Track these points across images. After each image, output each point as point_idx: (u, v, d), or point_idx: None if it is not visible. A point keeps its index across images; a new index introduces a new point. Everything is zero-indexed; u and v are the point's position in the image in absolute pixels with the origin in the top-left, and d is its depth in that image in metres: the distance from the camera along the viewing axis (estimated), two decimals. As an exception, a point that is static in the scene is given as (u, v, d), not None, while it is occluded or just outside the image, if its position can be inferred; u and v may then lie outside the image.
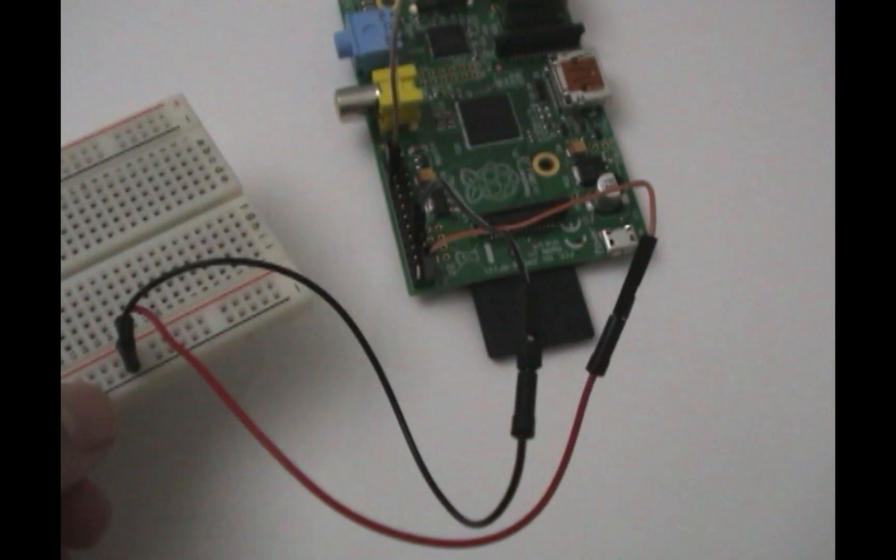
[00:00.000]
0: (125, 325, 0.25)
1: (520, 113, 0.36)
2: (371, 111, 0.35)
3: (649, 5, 0.40)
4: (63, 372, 0.27)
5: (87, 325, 0.28)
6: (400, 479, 0.28)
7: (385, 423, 0.29)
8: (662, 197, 0.35)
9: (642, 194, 0.35)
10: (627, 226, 0.34)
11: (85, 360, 0.27)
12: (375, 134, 0.36)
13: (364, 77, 0.36)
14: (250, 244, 0.29)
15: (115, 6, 0.38)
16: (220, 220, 0.30)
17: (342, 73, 0.37)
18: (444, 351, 0.33)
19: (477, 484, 0.28)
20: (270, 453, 0.20)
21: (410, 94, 0.34)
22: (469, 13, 0.38)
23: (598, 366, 0.24)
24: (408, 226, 0.33)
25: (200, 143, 0.31)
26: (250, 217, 0.30)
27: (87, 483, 0.26)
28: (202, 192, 0.30)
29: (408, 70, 0.34)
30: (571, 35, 0.38)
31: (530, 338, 0.22)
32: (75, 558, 0.26)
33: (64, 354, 0.27)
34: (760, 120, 0.38)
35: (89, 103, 0.35)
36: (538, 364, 0.22)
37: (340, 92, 0.34)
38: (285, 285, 0.29)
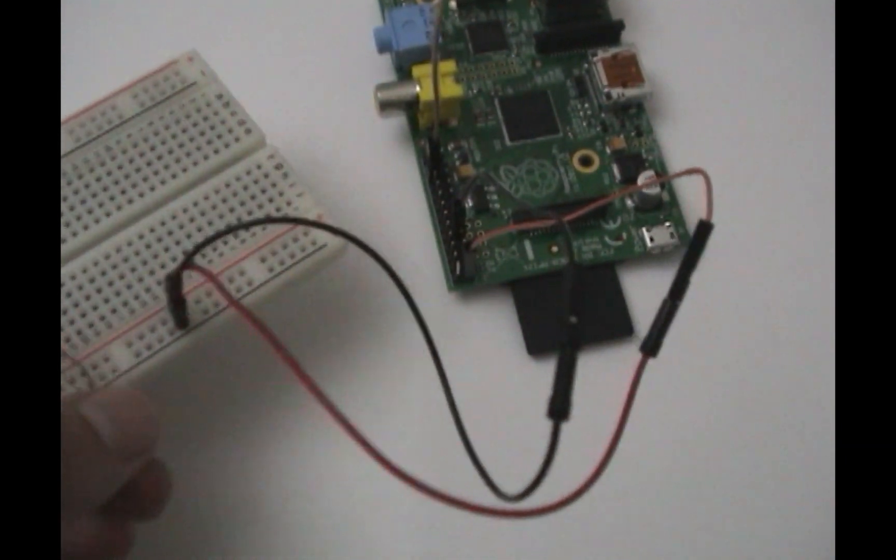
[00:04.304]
0: (176, 282, 0.26)
1: (559, 109, 0.36)
2: (410, 107, 0.35)
3: (689, 1, 0.40)
4: (110, 336, 0.27)
5: (129, 287, 0.28)
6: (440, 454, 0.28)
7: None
8: (700, 195, 0.35)
9: (683, 191, 0.35)
10: (668, 223, 0.34)
11: (132, 321, 0.27)
12: (415, 129, 0.36)
13: (403, 72, 0.36)
14: (281, 194, 0.29)
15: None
16: (248, 173, 0.30)
17: (382, 68, 0.37)
18: (482, 347, 0.32)
19: (514, 481, 0.28)
20: (324, 408, 0.21)
21: (451, 89, 0.34)
22: (508, 9, 0.38)
23: (651, 347, 0.24)
24: (448, 222, 0.33)
25: (219, 96, 0.31)
26: (279, 167, 0.30)
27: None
28: (227, 145, 0.30)
29: (448, 66, 0.34)
30: (611, 31, 0.37)
31: (573, 318, 0.22)
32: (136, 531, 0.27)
33: (111, 318, 0.27)
34: (802, 116, 0.37)
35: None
36: (579, 346, 0.22)
37: (380, 87, 0.34)
38: (321, 233, 0.29)
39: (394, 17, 0.36)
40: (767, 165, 0.36)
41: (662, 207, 0.34)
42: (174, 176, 0.29)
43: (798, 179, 0.36)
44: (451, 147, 0.35)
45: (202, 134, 0.30)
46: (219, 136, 0.30)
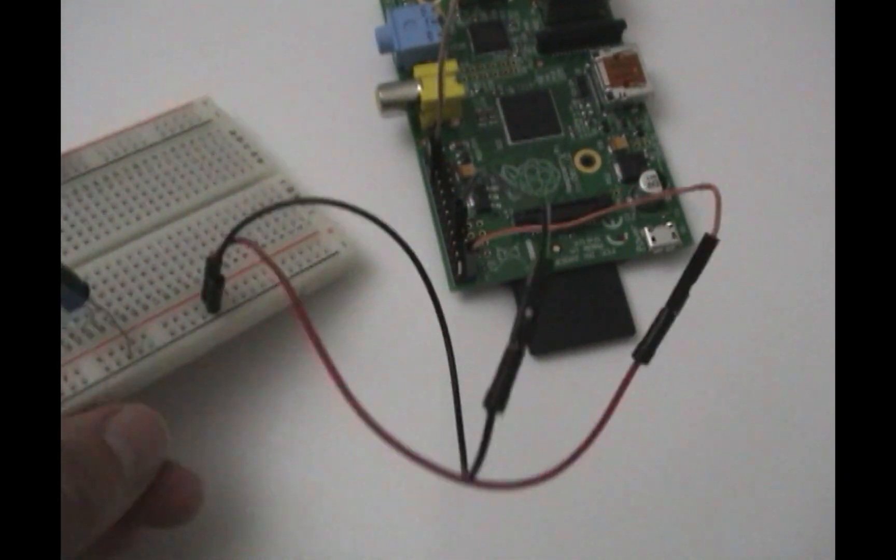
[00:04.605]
0: (216, 264, 0.28)
1: (561, 109, 0.36)
2: (412, 107, 0.35)
3: (692, 1, 0.40)
4: (148, 314, 0.29)
5: (162, 278, 0.30)
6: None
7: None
8: (702, 194, 0.35)
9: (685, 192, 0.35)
10: (669, 223, 0.34)
11: (167, 304, 0.30)
12: (416, 129, 0.36)
13: (405, 72, 0.36)
14: (295, 211, 0.32)
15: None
16: (263, 193, 0.33)
17: (383, 67, 0.37)
18: (484, 347, 0.32)
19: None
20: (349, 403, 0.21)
21: (453, 89, 0.34)
22: (510, 9, 0.38)
23: (643, 355, 0.24)
24: (449, 222, 0.33)
25: (233, 132, 0.34)
26: (290, 190, 0.33)
27: (172, 464, 0.28)
28: (242, 171, 0.33)
29: (450, 65, 0.34)
30: (613, 31, 0.37)
31: (528, 312, 0.22)
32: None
33: (148, 302, 0.29)
34: (804, 115, 0.37)
35: (129, 98, 0.35)
36: (528, 342, 0.22)
37: (382, 87, 0.34)
38: (332, 242, 0.32)
39: (395, 17, 0.36)
40: (769, 165, 0.36)
41: (664, 207, 0.34)
42: (196, 191, 0.32)
43: (800, 179, 0.36)
44: (452, 147, 0.35)
45: (219, 160, 0.33)
46: (235, 163, 0.33)
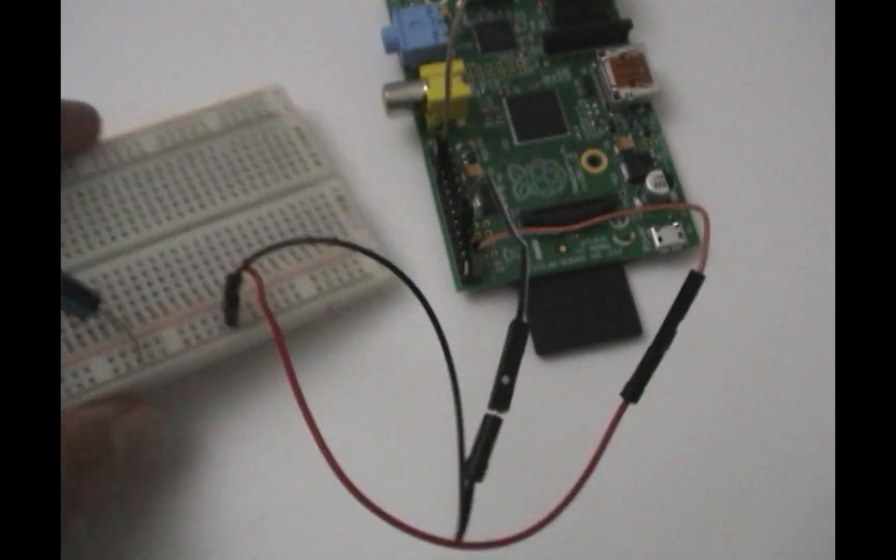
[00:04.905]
0: (234, 283, 0.28)
1: (567, 109, 0.36)
2: (418, 107, 0.35)
3: (698, 0, 0.40)
4: (166, 319, 0.30)
5: (189, 281, 0.30)
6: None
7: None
8: (709, 194, 0.35)
9: (692, 190, 0.35)
10: (676, 223, 0.34)
11: (187, 310, 0.30)
12: (422, 129, 0.36)
13: (411, 72, 0.36)
14: (339, 224, 0.32)
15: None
16: (312, 200, 0.32)
17: (389, 67, 0.37)
18: (491, 347, 0.32)
19: (520, 482, 0.28)
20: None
21: (459, 89, 0.34)
22: (516, 9, 0.38)
23: (632, 394, 0.24)
24: (456, 221, 0.33)
25: (297, 129, 0.34)
26: (340, 199, 0.33)
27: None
28: (297, 173, 0.33)
29: (456, 65, 0.34)
30: (619, 31, 0.37)
31: (505, 379, 0.22)
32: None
33: (169, 305, 0.30)
34: (810, 116, 0.37)
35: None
36: (506, 408, 0.22)
37: (388, 87, 0.34)
38: (370, 263, 0.31)
39: (401, 17, 0.36)
40: (776, 164, 0.36)
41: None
42: (245, 191, 0.32)
43: (807, 179, 0.36)
44: (458, 147, 0.35)
45: (276, 159, 0.33)
46: (290, 164, 0.33)
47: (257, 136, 0.33)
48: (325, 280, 0.31)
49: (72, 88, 0.32)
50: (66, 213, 0.31)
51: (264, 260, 0.31)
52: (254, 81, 0.35)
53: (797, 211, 0.35)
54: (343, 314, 0.32)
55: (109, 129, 0.33)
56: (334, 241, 0.30)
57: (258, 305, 0.27)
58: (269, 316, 0.26)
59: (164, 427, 0.29)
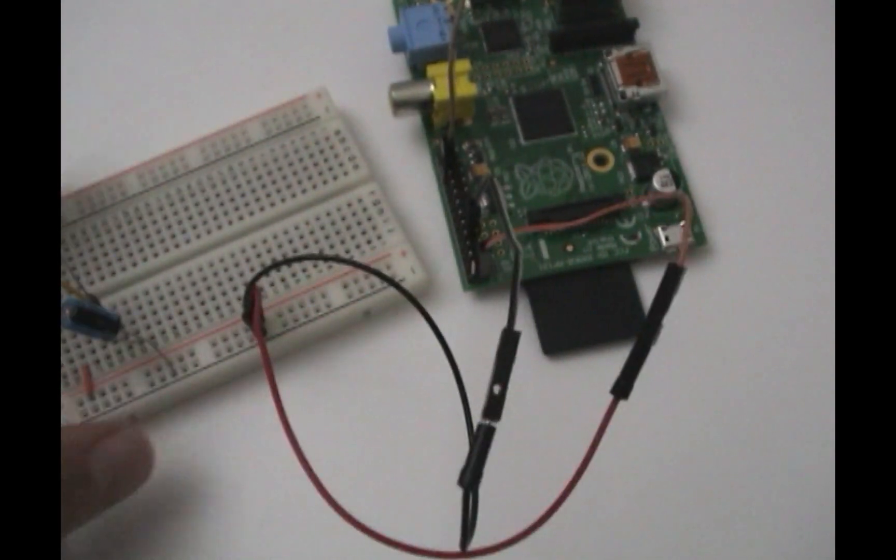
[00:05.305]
0: (246, 298, 0.29)
1: (574, 108, 0.36)
2: (425, 106, 0.35)
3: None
4: (199, 333, 0.31)
5: (224, 294, 0.31)
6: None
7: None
8: (716, 193, 0.35)
9: (698, 189, 0.35)
10: (682, 222, 0.34)
11: (220, 324, 0.31)
12: (429, 129, 0.36)
13: (418, 72, 0.36)
14: (374, 227, 0.33)
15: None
16: (349, 205, 0.33)
17: (396, 67, 0.37)
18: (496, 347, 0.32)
19: (527, 481, 0.28)
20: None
21: (465, 88, 0.34)
22: (523, 8, 0.38)
23: (622, 390, 0.23)
24: (463, 221, 0.33)
25: (337, 132, 0.34)
26: (377, 203, 0.33)
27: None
28: (335, 178, 0.33)
29: (463, 65, 0.34)
30: (626, 30, 0.37)
31: (496, 388, 0.22)
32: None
33: (203, 319, 0.31)
34: (817, 116, 0.37)
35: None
36: (498, 417, 0.22)
37: (395, 87, 0.34)
38: (402, 267, 0.32)
39: (408, 16, 0.36)
40: (782, 163, 0.36)
41: (677, 206, 0.34)
42: (283, 200, 0.33)
43: (813, 180, 0.36)
44: (465, 146, 0.35)
45: (315, 164, 0.34)
46: (329, 169, 0.34)
47: (298, 142, 0.34)
48: (356, 287, 0.31)
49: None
50: (112, 233, 0.32)
51: (296, 268, 0.31)
52: (269, 87, 0.35)
53: (804, 211, 0.35)
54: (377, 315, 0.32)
55: (157, 147, 0.34)
56: (336, 259, 0.30)
57: (295, 316, 0.29)
58: (259, 339, 0.27)
59: (153, 455, 0.28)
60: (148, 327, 0.31)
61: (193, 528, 0.29)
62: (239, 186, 0.33)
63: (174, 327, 0.31)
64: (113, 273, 0.32)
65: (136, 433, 0.28)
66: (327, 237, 0.32)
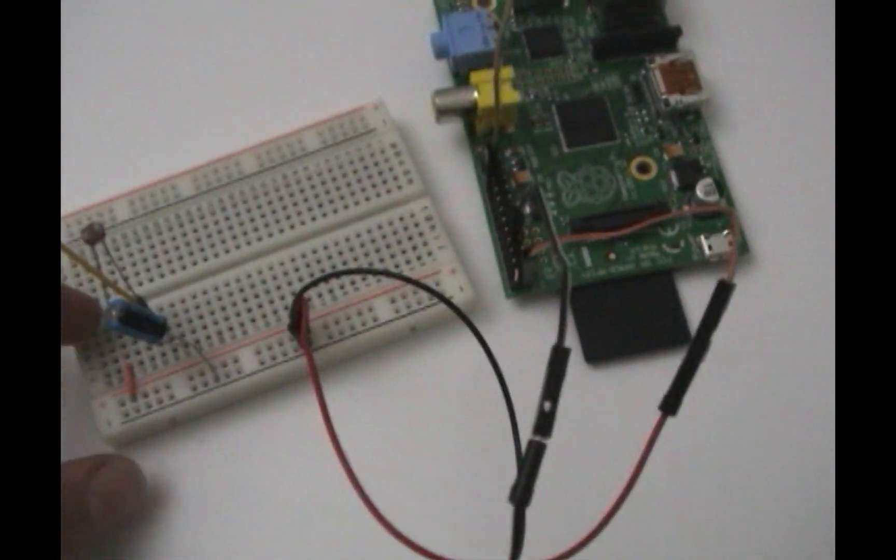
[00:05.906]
0: (293, 311, 0.29)
1: (617, 116, 0.36)
2: (468, 113, 0.35)
3: (748, 6, 0.39)
4: (244, 340, 0.31)
5: (272, 302, 0.32)
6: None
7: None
8: (759, 203, 0.35)
9: (742, 198, 0.35)
10: (726, 231, 0.34)
11: (266, 332, 0.31)
12: (471, 135, 0.36)
13: (460, 78, 0.36)
14: (425, 243, 0.33)
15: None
16: (401, 219, 0.33)
17: (439, 73, 0.37)
18: (540, 354, 0.32)
19: (570, 493, 0.28)
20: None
21: (508, 95, 0.34)
22: (565, 15, 0.38)
23: (671, 406, 0.23)
24: (506, 228, 0.33)
25: (393, 145, 0.34)
26: (429, 218, 0.33)
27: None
28: (388, 191, 0.33)
29: (506, 72, 0.34)
30: (669, 37, 0.37)
31: (546, 404, 0.22)
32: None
33: (249, 326, 0.31)
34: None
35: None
36: (549, 434, 0.22)
37: (438, 93, 0.35)
38: (451, 285, 0.32)
39: (450, 22, 0.36)
40: (827, 173, 0.36)
41: (720, 215, 0.34)
42: (335, 211, 0.33)
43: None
44: (507, 153, 0.35)
45: (369, 177, 0.33)
46: (383, 182, 0.33)
47: (353, 154, 0.34)
48: (403, 302, 0.31)
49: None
50: (164, 235, 0.33)
51: (345, 280, 0.32)
52: (321, 96, 0.36)
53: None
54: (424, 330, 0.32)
55: (213, 152, 0.34)
56: (387, 273, 0.30)
57: (341, 328, 0.30)
58: (307, 352, 0.27)
59: (142, 479, 0.29)
60: (193, 331, 0.31)
61: (230, 532, 0.30)
62: (292, 195, 0.33)
63: (219, 333, 0.31)
64: (162, 275, 0.32)
65: (126, 462, 0.29)
66: (377, 251, 0.32)
